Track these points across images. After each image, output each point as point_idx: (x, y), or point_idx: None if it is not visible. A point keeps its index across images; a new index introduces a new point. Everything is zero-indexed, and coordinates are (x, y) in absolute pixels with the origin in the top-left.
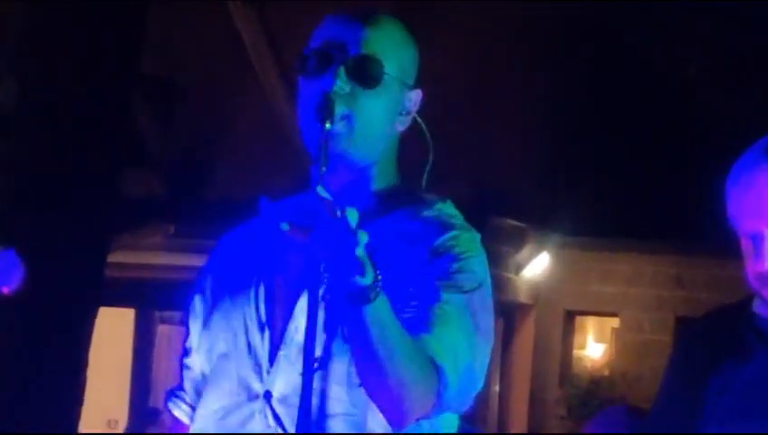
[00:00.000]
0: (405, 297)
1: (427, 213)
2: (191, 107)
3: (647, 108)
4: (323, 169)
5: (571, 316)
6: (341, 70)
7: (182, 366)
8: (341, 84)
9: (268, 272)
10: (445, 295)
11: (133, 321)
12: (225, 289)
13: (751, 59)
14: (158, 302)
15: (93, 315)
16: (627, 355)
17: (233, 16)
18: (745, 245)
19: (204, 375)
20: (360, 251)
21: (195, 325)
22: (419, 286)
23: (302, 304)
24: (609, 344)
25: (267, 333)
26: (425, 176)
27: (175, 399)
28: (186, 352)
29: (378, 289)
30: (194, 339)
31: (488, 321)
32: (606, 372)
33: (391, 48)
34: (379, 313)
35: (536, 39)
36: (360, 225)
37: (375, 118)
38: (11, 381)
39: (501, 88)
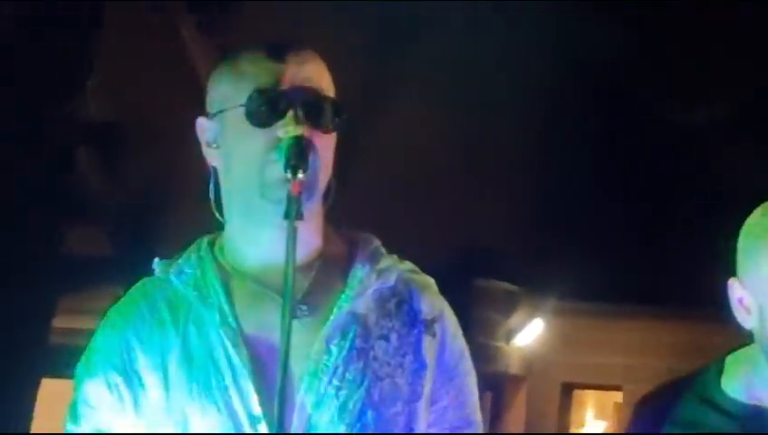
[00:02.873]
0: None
1: (386, 270)
2: (142, 154)
3: (653, 163)
4: (294, 222)
5: (568, 390)
6: (300, 113)
7: None
8: (302, 128)
9: (239, 350)
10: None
11: None
12: (174, 372)
13: None
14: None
15: (35, 387)
16: None
17: (189, 52)
18: None
19: None
20: None
21: (118, 410)
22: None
23: (309, 392)
24: (611, 421)
25: (263, 428)
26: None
27: None
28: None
29: None
30: (111, 423)
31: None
32: None
33: (331, 84)
34: None
35: (530, 90)
36: (325, 296)
37: (329, 164)
38: None
39: (492, 138)
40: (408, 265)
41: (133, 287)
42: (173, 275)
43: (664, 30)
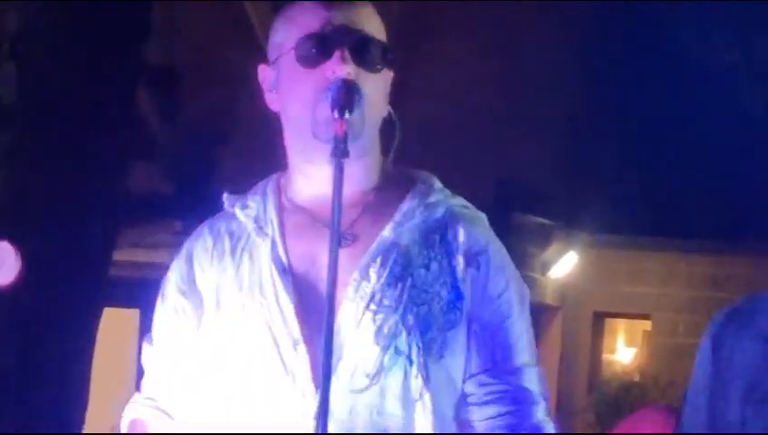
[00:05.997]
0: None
1: (434, 204)
2: (198, 98)
3: (682, 101)
4: (343, 159)
5: (600, 319)
6: (347, 53)
7: (152, 377)
8: (348, 69)
9: (287, 277)
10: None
11: (138, 322)
12: (225, 297)
13: None
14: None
15: (97, 316)
16: (659, 360)
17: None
18: None
19: (192, 386)
20: None
21: (180, 333)
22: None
23: (347, 316)
24: (640, 348)
25: (302, 349)
26: (391, 154)
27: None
28: (163, 357)
29: None
30: (174, 346)
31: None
32: (637, 378)
33: (380, 28)
34: None
35: (567, 35)
36: (373, 224)
37: (379, 103)
38: (13, 382)
39: (528, 79)
40: (460, 200)
41: (208, 220)
42: (238, 208)
43: None
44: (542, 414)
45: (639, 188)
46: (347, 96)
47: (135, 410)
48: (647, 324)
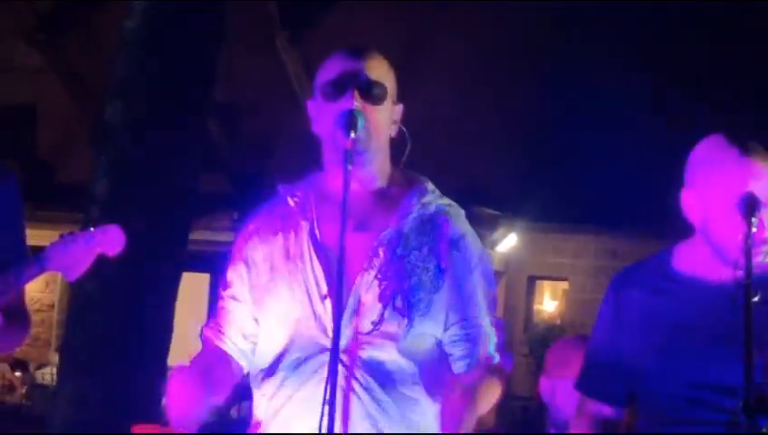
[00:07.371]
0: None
1: (428, 203)
2: (249, 124)
3: (597, 137)
4: (349, 167)
5: (532, 280)
6: (356, 93)
7: (223, 309)
8: (357, 103)
9: (319, 249)
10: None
11: (208, 283)
12: (276, 261)
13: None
14: (226, 269)
15: (178, 279)
16: (573, 310)
17: (280, 54)
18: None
19: (254, 323)
20: None
21: (244, 284)
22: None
23: (363, 282)
24: (560, 302)
25: (328, 302)
26: (404, 159)
27: (219, 333)
28: (231, 298)
29: None
30: (240, 292)
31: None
32: (558, 322)
33: (385, 74)
34: None
35: (512, 47)
36: (375, 212)
37: (383, 126)
38: (119, 326)
39: (489, 109)
40: (447, 199)
41: (266, 203)
42: (289, 196)
43: None
44: (491, 349)
45: (562, 188)
46: (351, 121)
47: (204, 329)
48: (565, 285)
